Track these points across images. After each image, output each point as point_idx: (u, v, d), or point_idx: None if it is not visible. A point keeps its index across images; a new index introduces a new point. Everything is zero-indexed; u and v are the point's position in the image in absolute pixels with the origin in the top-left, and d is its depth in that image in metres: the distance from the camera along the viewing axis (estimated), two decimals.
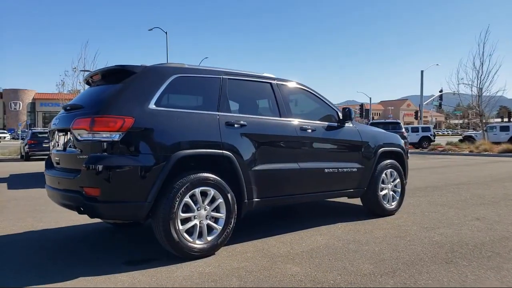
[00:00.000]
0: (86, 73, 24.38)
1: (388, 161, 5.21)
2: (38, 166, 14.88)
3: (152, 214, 3.34)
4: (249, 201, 3.84)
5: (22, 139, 24.12)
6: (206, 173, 3.54)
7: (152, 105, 3.42)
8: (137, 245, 4.01)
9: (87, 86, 4.18)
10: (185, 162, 3.43)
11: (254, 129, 3.93)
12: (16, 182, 9.83)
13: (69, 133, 3.50)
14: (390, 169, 5.24)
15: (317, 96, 4.84)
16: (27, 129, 52.38)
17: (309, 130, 4.41)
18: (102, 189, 3.14)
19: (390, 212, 5.19)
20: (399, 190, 5.37)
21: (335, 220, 4.92)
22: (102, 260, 3.49)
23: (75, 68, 27.55)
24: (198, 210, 3.50)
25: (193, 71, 3.84)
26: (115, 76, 3.64)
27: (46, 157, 3.83)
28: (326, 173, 4.51)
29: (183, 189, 3.37)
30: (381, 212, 5.11)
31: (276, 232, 4.33)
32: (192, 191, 3.45)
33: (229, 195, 3.65)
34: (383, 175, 5.12)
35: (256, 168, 3.87)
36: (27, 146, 18.72)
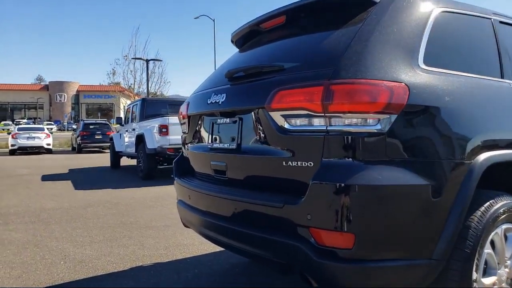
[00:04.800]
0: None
1: None
2: (93, 160, 13.84)
3: None
4: None
5: (74, 130, 23.43)
6: (507, 195, 1.83)
7: (421, 63, 1.72)
8: None
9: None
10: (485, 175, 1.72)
11: None
12: (81, 179, 8.54)
13: (253, 117, 1.87)
14: None
15: None
16: (72, 120, 52.89)
17: None
18: (360, 234, 1.47)
19: None
20: None
21: None
22: None
23: (126, 56, 26.82)
24: (498, 269, 1.80)
25: (457, 5, 2.10)
26: (330, 13, 1.98)
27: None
28: None
29: (485, 230, 1.68)
30: None
31: None
32: (494, 232, 1.75)
33: None
34: None
35: None
36: (79, 138, 17.80)
